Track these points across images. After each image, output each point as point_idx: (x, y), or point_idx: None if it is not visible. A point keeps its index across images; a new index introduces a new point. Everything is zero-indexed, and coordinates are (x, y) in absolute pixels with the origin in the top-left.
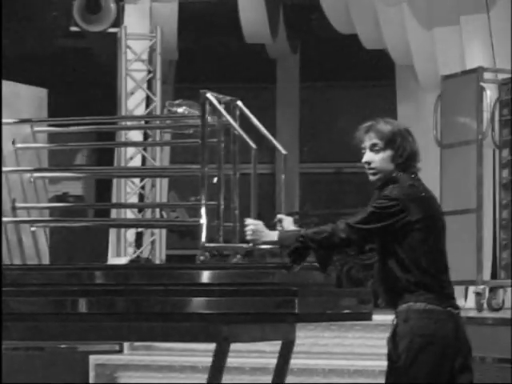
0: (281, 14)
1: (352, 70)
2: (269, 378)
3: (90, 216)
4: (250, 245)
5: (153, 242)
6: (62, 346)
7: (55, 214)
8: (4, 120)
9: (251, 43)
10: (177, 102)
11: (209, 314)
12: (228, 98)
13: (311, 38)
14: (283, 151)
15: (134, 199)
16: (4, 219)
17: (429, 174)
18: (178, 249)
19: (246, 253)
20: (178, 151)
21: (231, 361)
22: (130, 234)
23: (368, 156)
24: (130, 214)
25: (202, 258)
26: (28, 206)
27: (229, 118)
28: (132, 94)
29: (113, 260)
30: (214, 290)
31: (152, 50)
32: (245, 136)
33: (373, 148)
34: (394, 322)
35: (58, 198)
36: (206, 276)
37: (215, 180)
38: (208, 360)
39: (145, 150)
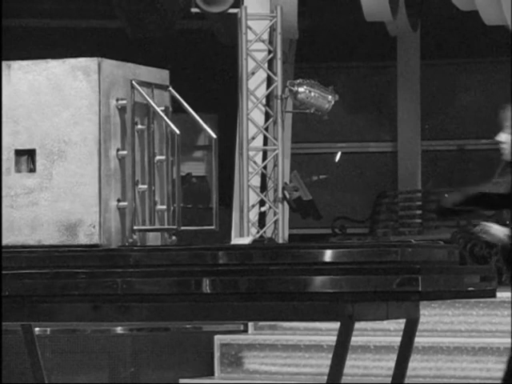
0: None
1: (472, 47)
2: (393, 357)
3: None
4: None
5: (276, 222)
6: (187, 326)
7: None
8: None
9: (371, 21)
10: (298, 81)
11: (333, 292)
12: None
13: (431, 16)
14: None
15: (257, 179)
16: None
17: None
18: (301, 228)
19: (369, 232)
20: (298, 130)
21: (356, 339)
22: (253, 213)
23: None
24: (252, 194)
25: None
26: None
27: None
28: (253, 74)
29: (236, 240)
30: (338, 268)
31: (272, 29)
32: None
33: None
34: None
35: (181, 179)
36: (328, 255)
37: (338, 157)
38: (332, 339)
39: (266, 129)
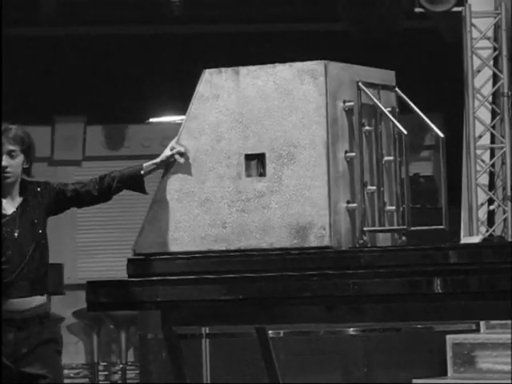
0: None
1: None
2: None
3: (440, 195)
4: None
5: (505, 220)
6: (419, 326)
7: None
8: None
9: None
10: None
11: None
12: None
13: None
14: None
15: (485, 177)
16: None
17: None
18: None
19: None
20: None
21: None
22: (482, 212)
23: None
24: (480, 192)
25: None
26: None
27: None
28: (478, 71)
29: (466, 239)
30: None
31: (497, 26)
32: None
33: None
34: None
35: (409, 179)
36: None
37: None
38: None
39: (493, 127)
